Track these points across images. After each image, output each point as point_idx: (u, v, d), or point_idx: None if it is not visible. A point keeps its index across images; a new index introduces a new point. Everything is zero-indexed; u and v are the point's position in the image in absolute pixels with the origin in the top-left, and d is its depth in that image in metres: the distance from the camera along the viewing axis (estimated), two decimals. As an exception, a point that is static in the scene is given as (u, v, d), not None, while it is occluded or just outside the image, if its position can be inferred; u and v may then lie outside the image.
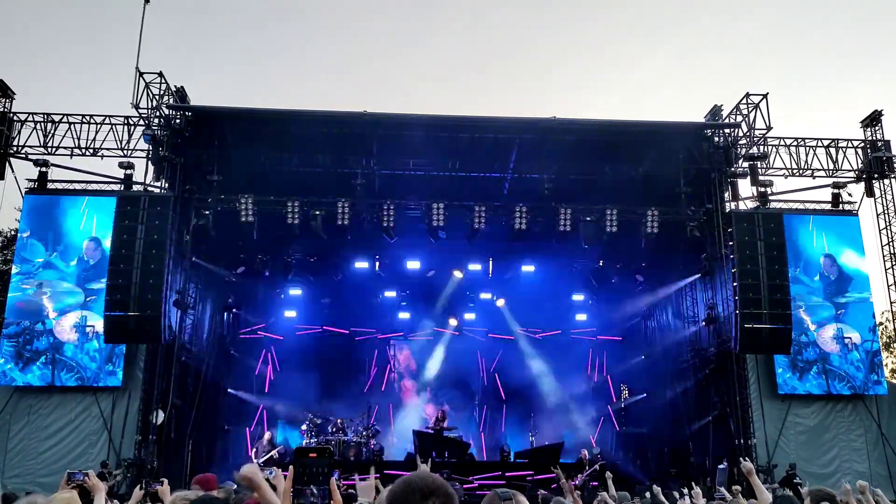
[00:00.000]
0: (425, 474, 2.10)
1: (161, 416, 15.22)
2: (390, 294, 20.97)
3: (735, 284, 15.94)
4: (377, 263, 19.59)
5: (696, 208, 17.27)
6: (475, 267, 19.73)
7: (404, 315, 21.72)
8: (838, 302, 17.43)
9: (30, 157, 16.95)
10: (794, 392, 16.77)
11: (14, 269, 16.53)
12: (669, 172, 17.31)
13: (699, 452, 17.45)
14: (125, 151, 16.89)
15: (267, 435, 18.20)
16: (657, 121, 17.73)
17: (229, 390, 19.23)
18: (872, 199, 18.45)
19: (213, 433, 18.24)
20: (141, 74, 15.71)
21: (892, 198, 18.38)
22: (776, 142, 17.97)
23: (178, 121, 16.67)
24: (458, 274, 20.12)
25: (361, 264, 19.35)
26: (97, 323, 15.76)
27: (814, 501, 4.74)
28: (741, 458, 8.58)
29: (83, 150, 16.95)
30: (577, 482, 14.98)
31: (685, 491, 8.86)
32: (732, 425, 16.02)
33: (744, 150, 17.26)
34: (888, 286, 18.31)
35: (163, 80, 16.19)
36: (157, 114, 16.26)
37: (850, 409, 16.87)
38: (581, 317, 21.87)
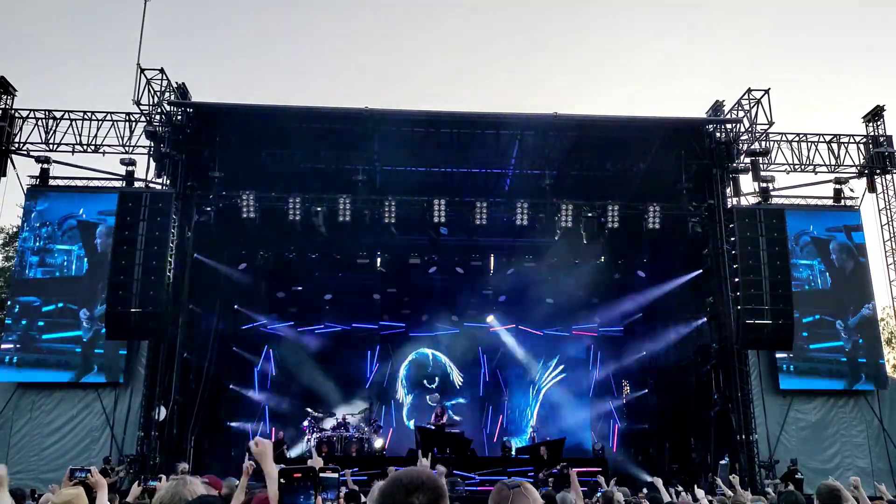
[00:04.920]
0: (414, 470, 2.06)
1: (163, 412, 15.26)
2: (391, 290, 20.97)
3: (736, 280, 15.93)
4: (378, 259, 19.59)
5: (698, 204, 17.26)
6: (476, 263, 19.72)
7: (405, 311, 21.71)
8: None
9: (31, 153, 16.94)
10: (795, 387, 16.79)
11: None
12: (671, 168, 17.31)
13: (701, 448, 17.49)
14: (126, 148, 16.89)
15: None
16: (658, 116, 17.69)
17: (231, 386, 19.26)
18: (874, 194, 18.42)
19: (215, 429, 18.28)
20: (142, 71, 15.69)
21: (894, 193, 18.34)
22: (778, 137, 17.93)
23: (179, 117, 16.67)
24: (459, 270, 20.11)
25: (363, 260, 19.35)
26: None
27: (821, 498, 4.72)
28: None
29: (84, 147, 16.93)
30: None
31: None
32: (734, 421, 16.04)
33: (745, 146, 17.24)
34: (890, 282, 18.28)
35: (164, 77, 16.17)
36: (159, 110, 16.24)
37: (852, 405, 16.86)
38: (582, 312, 21.85)
